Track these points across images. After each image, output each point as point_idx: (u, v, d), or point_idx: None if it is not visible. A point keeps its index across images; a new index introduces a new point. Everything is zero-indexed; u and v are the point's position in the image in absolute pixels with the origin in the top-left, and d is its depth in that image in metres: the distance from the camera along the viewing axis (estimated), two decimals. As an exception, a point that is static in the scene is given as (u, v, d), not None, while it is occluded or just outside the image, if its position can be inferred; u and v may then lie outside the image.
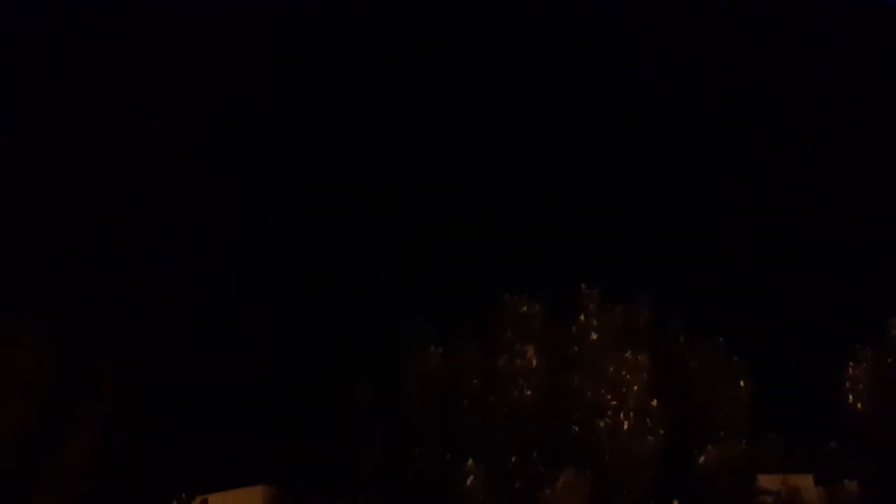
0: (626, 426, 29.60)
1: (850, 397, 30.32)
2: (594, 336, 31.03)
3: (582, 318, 31.29)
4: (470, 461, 28.71)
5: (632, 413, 29.73)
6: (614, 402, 29.94)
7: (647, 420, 29.66)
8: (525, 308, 31.47)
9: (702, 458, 29.48)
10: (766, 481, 29.19)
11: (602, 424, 29.68)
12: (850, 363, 30.54)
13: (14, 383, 26.78)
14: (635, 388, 30.11)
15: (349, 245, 37.85)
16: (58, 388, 27.26)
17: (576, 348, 31.10)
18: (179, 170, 39.81)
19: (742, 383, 31.00)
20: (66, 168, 39.27)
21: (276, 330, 34.85)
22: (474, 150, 40.17)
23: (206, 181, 39.46)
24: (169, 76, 41.27)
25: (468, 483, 28.50)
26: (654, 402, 29.94)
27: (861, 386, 30.30)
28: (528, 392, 30.14)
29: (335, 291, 36.49)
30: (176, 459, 28.23)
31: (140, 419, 28.30)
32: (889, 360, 30.77)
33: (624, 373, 30.27)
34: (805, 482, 29.04)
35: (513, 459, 29.45)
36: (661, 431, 29.68)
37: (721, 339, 31.62)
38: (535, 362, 30.47)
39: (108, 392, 27.85)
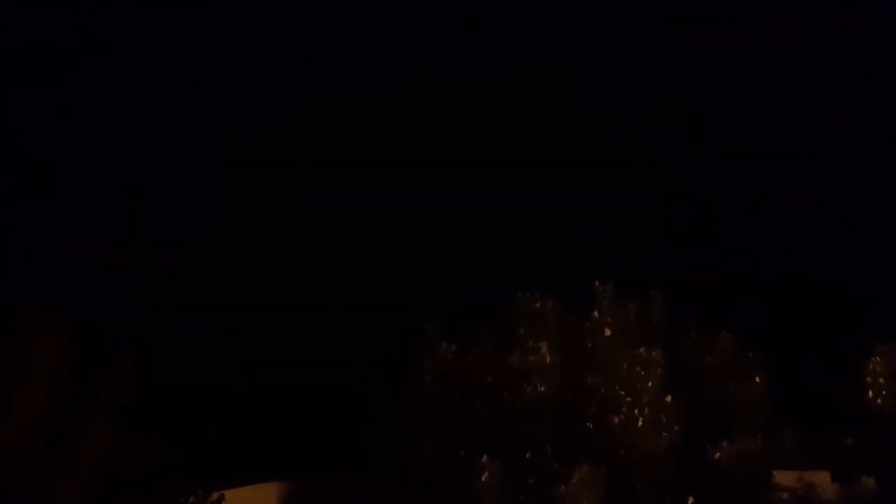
0: (640, 422, 29.46)
1: (871, 393, 30.17)
2: (607, 332, 30.86)
3: (595, 314, 31.12)
4: (484, 457, 28.60)
5: (646, 409, 29.58)
6: (628, 399, 29.77)
7: (662, 416, 29.53)
8: (538, 304, 31.31)
9: (717, 455, 29.33)
10: (782, 477, 29.10)
11: (616, 421, 29.55)
12: (873, 357, 30.37)
13: (28, 379, 26.70)
14: (649, 384, 29.94)
15: (363, 240, 37.92)
16: (72, 384, 27.17)
17: (589, 344, 30.94)
18: (185, 167, 39.87)
19: (757, 379, 30.88)
20: (75, 161, 39.31)
21: (289, 325, 34.84)
22: (488, 145, 40.24)
23: (211, 179, 39.53)
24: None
25: (482, 479, 28.39)
26: (668, 398, 29.79)
27: (882, 381, 30.16)
28: (542, 388, 30.00)
29: (349, 287, 36.55)
30: (191, 456, 28.18)
31: (155, 415, 28.23)
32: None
33: (638, 369, 30.12)
34: (821, 479, 28.96)
35: (527, 456, 29.33)
36: (676, 427, 29.54)
37: (735, 335, 31.51)
38: (548, 359, 30.32)
39: (122, 388, 27.76)
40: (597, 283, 31.46)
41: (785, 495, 28.85)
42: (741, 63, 42.70)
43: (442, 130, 41.48)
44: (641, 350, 30.28)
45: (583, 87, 42.44)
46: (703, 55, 42.69)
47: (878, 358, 30.47)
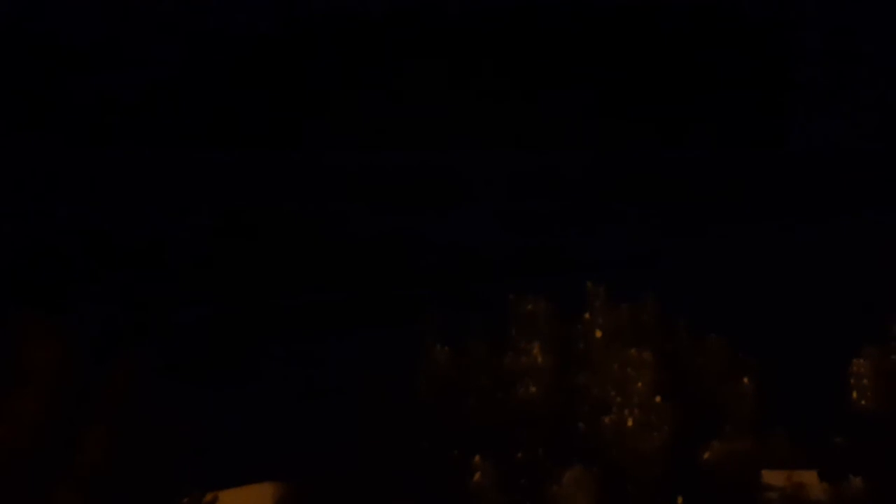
0: (631, 423, 29.71)
1: (856, 394, 30.40)
2: (599, 333, 31.12)
3: (587, 315, 31.40)
4: (477, 457, 28.87)
5: (637, 410, 29.84)
6: (619, 399, 30.04)
7: (652, 417, 29.78)
8: (530, 305, 31.59)
9: (707, 455, 29.59)
10: (772, 477, 29.27)
11: (608, 421, 29.81)
12: (856, 359, 30.60)
13: (27, 381, 26.96)
14: (640, 385, 30.19)
15: (357, 242, 38.24)
16: (69, 385, 27.43)
17: (581, 346, 31.24)
18: (184, 162, 40.26)
19: (747, 380, 31.09)
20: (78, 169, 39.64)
21: (286, 326, 35.14)
22: (480, 147, 40.48)
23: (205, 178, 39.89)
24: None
25: (475, 479, 28.67)
26: (659, 399, 30.03)
27: (866, 382, 30.39)
28: (534, 389, 30.29)
29: (343, 291, 36.88)
30: (187, 456, 28.44)
31: (150, 416, 28.49)
32: (894, 356, 30.85)
33: (629, 370, 30.37)
34: (810, 478, 29.12)
35: (519, 456, 29.60)
36: (666, 428, 29.78)
37: (726, 336, 31.72)
38: (540, 359, 30.61)
39: (120, 390, 28.02)
40: (589, 283, 31.73)
41: (774, 495, 29.03)
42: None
43: (437, 129, 41.76)
44: (633, 351, 30.51)
45: (573, 85, 42.68)
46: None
47: (862, 359, 30.70)
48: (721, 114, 44.06)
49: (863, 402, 30.23)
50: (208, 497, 28.50)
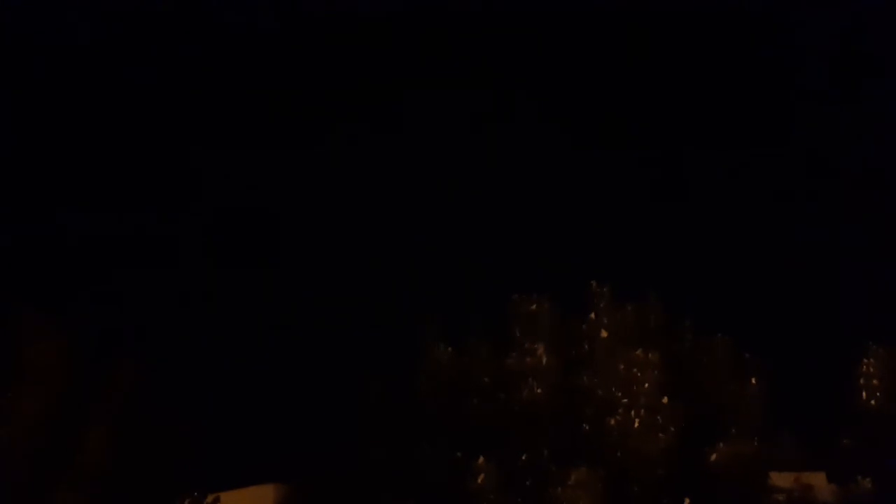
0: (636, 424, 29.51)
1: (864, 394, 30.26)
2: (605, 334, 30.92)
3: (592, 316, 31.19)
4: (481, 459, 28.66)
5: (643, 411, 29.64)
6: (625, 400, 29.84)
7: (658, 418, 29.59)
8: (534, 306, 31.38)
9: (713, 456, 29.39)
10: (779, 479, 29.16)
11: (613, 422, 29.60)
12: (864, 360, 30.46)
13: (27, 381, 26.84)
14: (646, 386, 30.00)
15: (356, 241, 38.10)
16: (70, 386, 27.30)
17: (586, 346, 31.02)
18: (184, 161, 40.09)
19: (754, 381, 30.91)
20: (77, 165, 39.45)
21: (287, 327, 34.96)
22: (481, 146, 40.40)
23: (208, 181, 39.80)
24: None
25: (479, 481, 28.46)
26: (665, 400, 29.84)
27: (875, 382, 30.26)
28: (539, 390, 30.07)
29: (345, 289, 36.73)
30: (187, 458, 28.25)
31: (151, 417, 28.33)
32: (902, 356, 30.76)
33: (635, 371, 30.16)
34: (818, 480, 29.02)
35: (524, 457, 29.39)
36: (673, 429, 29.60)
37: (732, 337, 31.56)
38: (545, 360, 30.40)
39: (120, 390, 27.88)
40: (594, 284, 31.54)
41: (782, 497, 28.90)
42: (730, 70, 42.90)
43: (442, 128, 41.66)
44: (638, 352, 30.33)
45: (572, 84, 42.64)
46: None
47: (871, 359, 30.56)
48: (722, 113, 43.97)
49: (872, 403, 30.10)
50: (209, 499, 28.37)
